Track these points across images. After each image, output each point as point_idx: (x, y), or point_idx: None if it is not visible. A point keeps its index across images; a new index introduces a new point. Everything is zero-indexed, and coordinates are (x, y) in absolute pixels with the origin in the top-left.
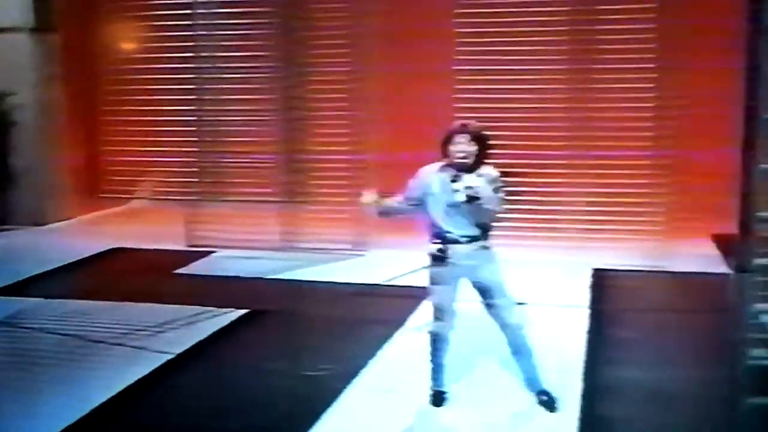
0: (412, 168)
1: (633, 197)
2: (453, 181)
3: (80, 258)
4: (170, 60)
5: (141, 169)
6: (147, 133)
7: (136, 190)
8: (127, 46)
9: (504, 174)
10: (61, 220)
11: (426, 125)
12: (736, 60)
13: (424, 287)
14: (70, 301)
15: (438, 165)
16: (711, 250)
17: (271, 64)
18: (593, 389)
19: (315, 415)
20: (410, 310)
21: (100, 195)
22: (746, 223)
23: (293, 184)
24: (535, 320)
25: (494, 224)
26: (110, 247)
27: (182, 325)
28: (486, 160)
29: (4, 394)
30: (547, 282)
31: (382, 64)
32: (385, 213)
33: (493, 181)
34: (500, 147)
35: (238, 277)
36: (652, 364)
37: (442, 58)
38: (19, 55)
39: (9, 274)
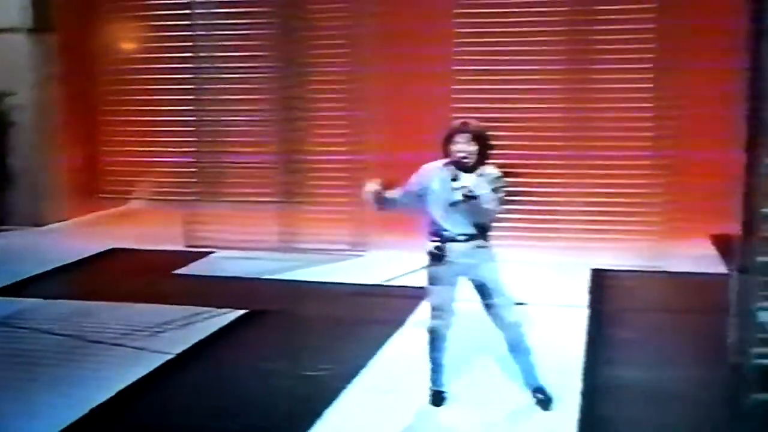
0: (410, 168)
1: (631, 197)
2: (453, 179)
3: (79, 258)
4: (169, 60)
5: (140, 169)
6: (145, 134)
7: (134, 191)
8: (126, 46)
9: (504, 174)
10: (59, 221)
11: (425, 125)
12: (734, 60)
13: (423, 287)
14: (68, 301)
15: (440, 162)
16: (709, 250)
17: (270, 65)
18: (592, 389)
19: (314, 415)
20: (409, 310)
21: (99, 195)
22: (749, 222)
23: (292, 185)
24: (534, 320)
25: (494, 224)
26: (109, 247)
27: (181, 325)
28: (487, 160)
29: (4, 394)
30: (545, 282)
31: (381, 64)
32: (385, 204)
33: (493, 180)
34: (499, 147)
35: (236, 277)
36: (651, 363)
37: (441, 59)
38: (17, 56)
39: (8, 274)
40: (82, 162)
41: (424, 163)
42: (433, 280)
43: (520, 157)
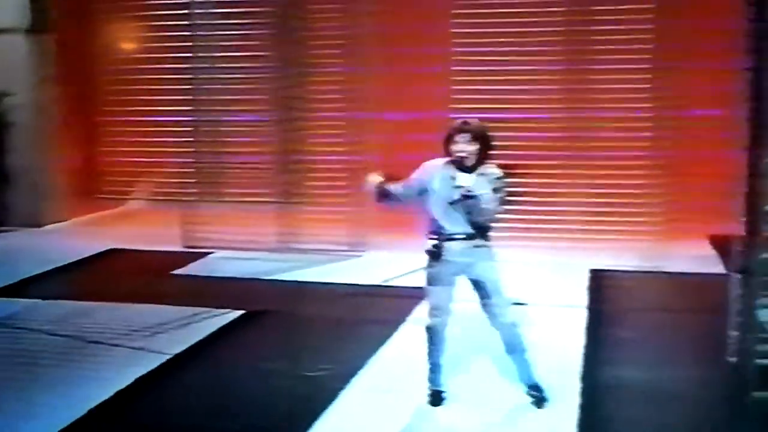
0: (409, 168)
1: (630, 198)
2: (454, 178)
3: (78, 259)
4: (168, 60)
5: (138, 169)
6: (144, 134)
7: (133, 191)
8: (125, 46)
9: (504, 174)
10: (58, 221)
11: (424, 126)
12: (733, 61)
13: (421, 287)
14: (67, 302)
15: (442, 161)
16: (708, 250)
17: (269, 65)
18: (591, 389)
19: (314, 415)
20: (408, 310)
21: (98, 196)
22: (750, 222)
23: (291, 185)
24: (534, 320)
25: (494, 223)
26: (108, 248)
27: (180, 325)
28: (488, 159)
29: (3, 394)
30: (544, 282)
31: (380, 64)
32: (386, 197)
33: (493, 180)
34: (498, 147)
35: (235, 278)
36: (650, 363)
37: (440, 59)
38: (15, 56)
39: (7, 275)
40: (81, 162)
41: (422, 164)
42: (431, 280)
43: (519, 157)
